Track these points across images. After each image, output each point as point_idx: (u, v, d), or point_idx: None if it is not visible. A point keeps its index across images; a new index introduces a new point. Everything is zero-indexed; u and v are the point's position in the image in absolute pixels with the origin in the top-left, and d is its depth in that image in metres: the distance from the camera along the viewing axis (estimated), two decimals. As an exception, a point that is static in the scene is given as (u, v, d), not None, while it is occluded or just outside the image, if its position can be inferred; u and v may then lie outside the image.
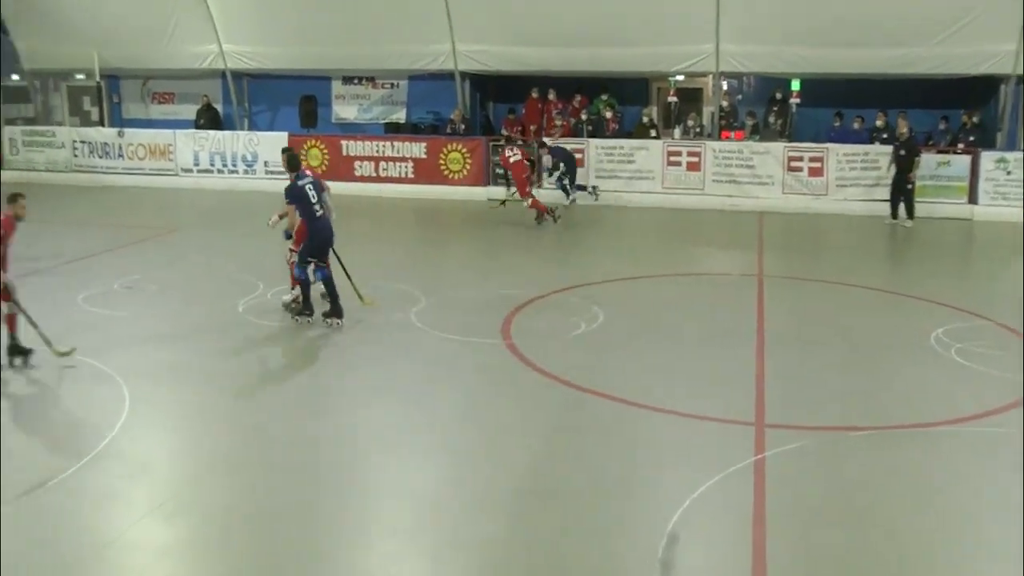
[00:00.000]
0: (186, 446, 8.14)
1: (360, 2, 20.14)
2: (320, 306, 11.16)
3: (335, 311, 10.91)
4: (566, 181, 18.80)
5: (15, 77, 23.87)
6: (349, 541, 6.49)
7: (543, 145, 18.71)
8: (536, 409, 8.60)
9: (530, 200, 17.25)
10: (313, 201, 10.68)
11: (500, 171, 18.86)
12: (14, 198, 9.63)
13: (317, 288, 11.13)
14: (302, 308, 11.06)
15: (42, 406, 8.88)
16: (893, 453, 7.65)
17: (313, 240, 10.76)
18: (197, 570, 6.22)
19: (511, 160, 17.35)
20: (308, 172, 11.15)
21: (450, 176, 20.26)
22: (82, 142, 22.42)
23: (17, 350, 9.66)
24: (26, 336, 9.65)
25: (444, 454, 7.70)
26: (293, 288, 11.31)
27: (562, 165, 18.75)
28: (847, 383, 9.25)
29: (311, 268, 10.86)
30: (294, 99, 21.92)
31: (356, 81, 22.34)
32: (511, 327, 10.82)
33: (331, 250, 11.06)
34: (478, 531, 6.48)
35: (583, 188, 19.19)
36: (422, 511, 6.87)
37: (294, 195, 10.67)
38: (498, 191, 19.20)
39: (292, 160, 10.94)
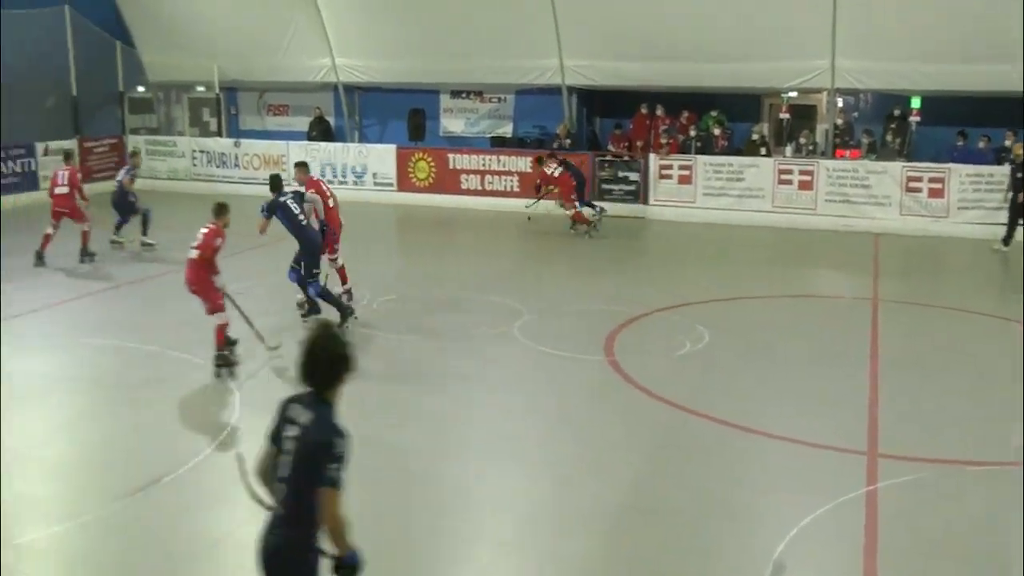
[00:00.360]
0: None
1: (469, 18, 20.46)
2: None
3: (343, 315, 11.34)
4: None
5: (140, 89, 25.03)
6: (450, 552, 6.57)
7: (552, 156, 18.48)
8: (638, 427, 8.56)
9: (573, 210, 17.72)
10: (296, 212, 11.55)
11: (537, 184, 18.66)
12: (220, 210, 10.28)
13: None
14: (342, 311, 11.42)
15: (162, 409, 9.27)
16: (1016, 491, 7.32)
17: (305, 251, 11.55)
18: (302, 572, 6.41)
19: (555, 174, 17.74)
20: (310, 189, 12.18)
21: (557, 190, 20.33)
22: (201, 152, 23.37)
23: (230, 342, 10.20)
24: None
25: (546, 468, 7.73)
26: (345, 283, 12.41)
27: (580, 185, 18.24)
28: (967, 413, 8.91)
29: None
30: (403, 112, 22.38)
31: (464, 95, 22.68)
32: (614, 344, 10.80)
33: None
34: (578, 546, 6.49)
35: (591, 206, 18.52)
36: (523, 524, 6.91)
37: (269, 208, 11.60)
38: (604, 205, 19.18)
39: (273, 182, 12.02)
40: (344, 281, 12.49)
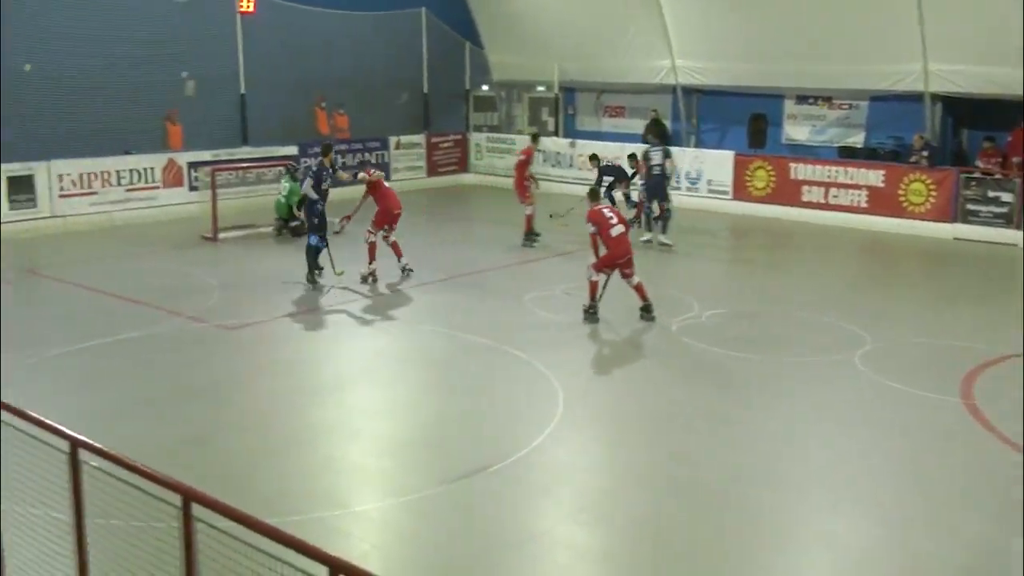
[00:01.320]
0: (606, 456, 8.57)
1: (820, 18, 19.66)
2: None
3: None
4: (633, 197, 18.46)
5: (484, 88, 26.67)
6: (771, 585, 6.37)
7: (594, 157, 19.07)
8: (993, 483, 7.80)
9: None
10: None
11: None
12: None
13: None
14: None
15: (487, 396, 9.81)
16: None
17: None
18: (615, 581, 6.49)
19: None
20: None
21: (910, 208, 19.05)
22: (537, 150, 24.39)
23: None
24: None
25: (879, 514, 7.25)
26: (371, 263, 14.17)
27: (618, 183, 18.27)
28: None
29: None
30: (743, 117, 22.00)
31: (811, 101, 21.86)
32: (973, 385, 9.90)
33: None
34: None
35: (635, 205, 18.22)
36: (847, 570, 6.54)
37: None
38: (966, 228, 17.69)
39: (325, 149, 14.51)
40: (399, 255, 14.56)
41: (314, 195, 13.85)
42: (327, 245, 14.01)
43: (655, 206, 17.21)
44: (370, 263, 14.21)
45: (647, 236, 17.07)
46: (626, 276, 12.25)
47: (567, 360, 10.75)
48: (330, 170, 14.29)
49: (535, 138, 19.28)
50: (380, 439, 8.87)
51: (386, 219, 14.46)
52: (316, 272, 14.02)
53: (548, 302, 13.09)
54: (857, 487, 7.72)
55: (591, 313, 12.17)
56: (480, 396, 9.83)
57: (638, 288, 12.22)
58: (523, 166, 17.67)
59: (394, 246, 14.54)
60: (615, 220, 12.13)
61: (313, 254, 13.97)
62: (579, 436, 8.86)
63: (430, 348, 11.43)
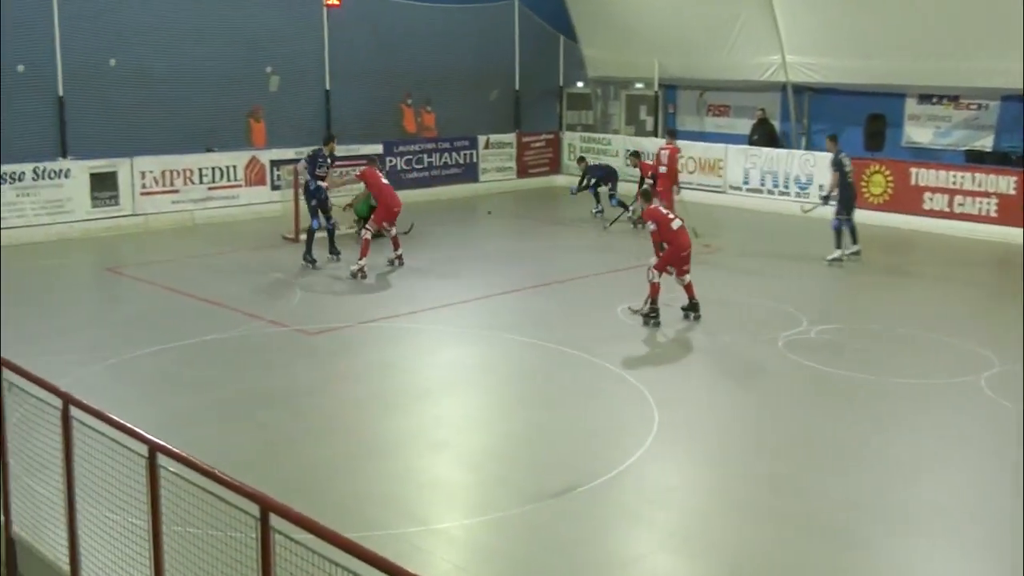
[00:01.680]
0: (704, 479, 8.46)
1: (946, 10, 19.11)
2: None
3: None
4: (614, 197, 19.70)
5: (579, 84, 26.65)
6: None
7: (582, 160, 20.38)
8: None
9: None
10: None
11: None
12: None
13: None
14: None
15: (577, 411, 9.78)
16: None
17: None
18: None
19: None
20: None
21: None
22: (634, 151, 24.27)
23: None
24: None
25: (1006, 553, 6.97)
26: (362, 258, 14.92)
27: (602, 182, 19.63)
28: None
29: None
30: (860, 118, 21.48)
31: (935, 100, 21.24)
32: (1114, 414, 9.48)
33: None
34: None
35: (624, 206, 19.25)
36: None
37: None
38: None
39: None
40: (396, 247, 15.63)
41: (308, 176, 15.90)
42: (326, 228, 15.89)
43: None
44: (360, 258, 15.00)
45: (836, 254, 16.52)
46: (682, 273, 12.59)
47: (663, 374, 10.67)
48: (328, 158, 16.03)
49: (675, 135, 19.83)
50: (464, 452, 8.92)
51: (384, 215, 15.38)
52: (311, 256, 15.67)
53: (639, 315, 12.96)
54: (982, 526, 7.45)
55: (653, 317, 12.45)
56: (570, 410, 9.81)
57: (688, 287, 12.63)
58: (674, 173, 17.93)
59: (394, 240, 15.70)
60: (672, 215, 12.77)
61: (310, 236, 15.67)
62: (675, 456, 8.76)
63: (518, 358, 11.45)
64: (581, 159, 20.44)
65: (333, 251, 16.00)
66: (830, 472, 8.35)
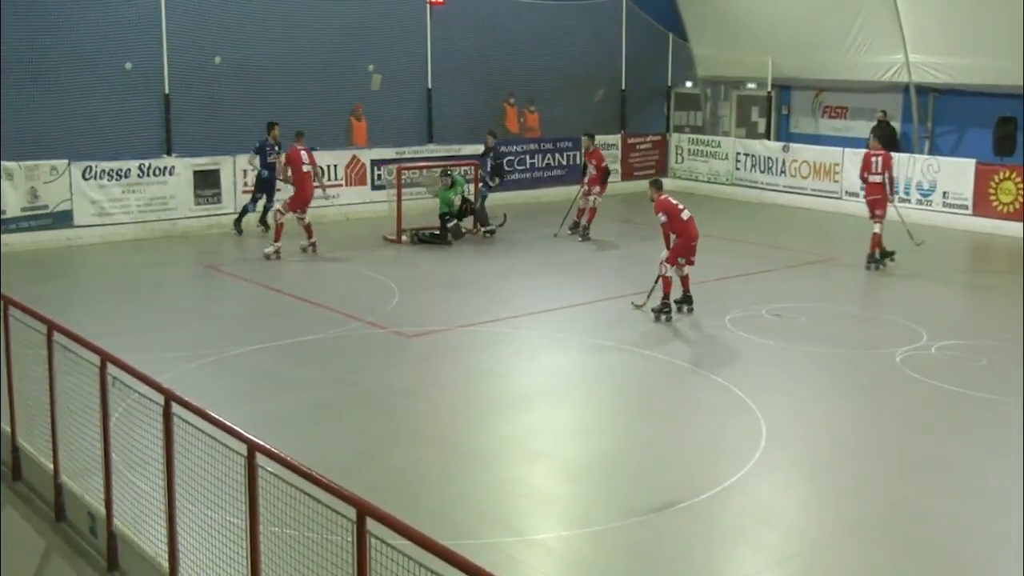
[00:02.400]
0: (816, 498, 8.29)
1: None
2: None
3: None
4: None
5: (688, 84, 26.42)
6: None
7: (446, 175, 18.61)
8: None
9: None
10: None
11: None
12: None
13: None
14: None
15: (681, 424, 9.69)
16: None
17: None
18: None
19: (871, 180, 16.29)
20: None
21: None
22: (745, 154, 23.97)
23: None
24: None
25: None
26: (276, 241, 16.37)
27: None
28: None
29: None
30: (988, 120, 20.78)
31: (1072, 102, 20.48)
32: None
33: None
34: None
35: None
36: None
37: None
38: None
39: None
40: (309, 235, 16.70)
41: (258, 165, 18.10)
42: (254, 210, 18.31)
43: None
44: (275, 240, 16.32)
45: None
46: (689, 262, 12.90)
47: (772, 387, 10.50)
48: (275, 145, 18.03)
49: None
50: (562, 463, 8.92)
51: (297, 202, 16.54)
52: (239, 228, 18.22)
53: (752, 323, 12.81)
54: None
55: (665, 311, 12.75)
56: (674, 423, 9.73)
57: (685, 279, 13.01)
58: (891, 179, 16.24)
59: (307, 228, 16.67)
60: (681, 205, 12.90)
61: (242, 213, 18.31)
62: (783, 475, 8.61)
63: (620, 368, 11.41)
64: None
65: (262, 223, 18.32)
66: (950, 496, 8.09)
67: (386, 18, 21.19)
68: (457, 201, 18.02)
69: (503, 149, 22.53)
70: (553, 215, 19.24)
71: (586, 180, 18.69)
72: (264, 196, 18.41)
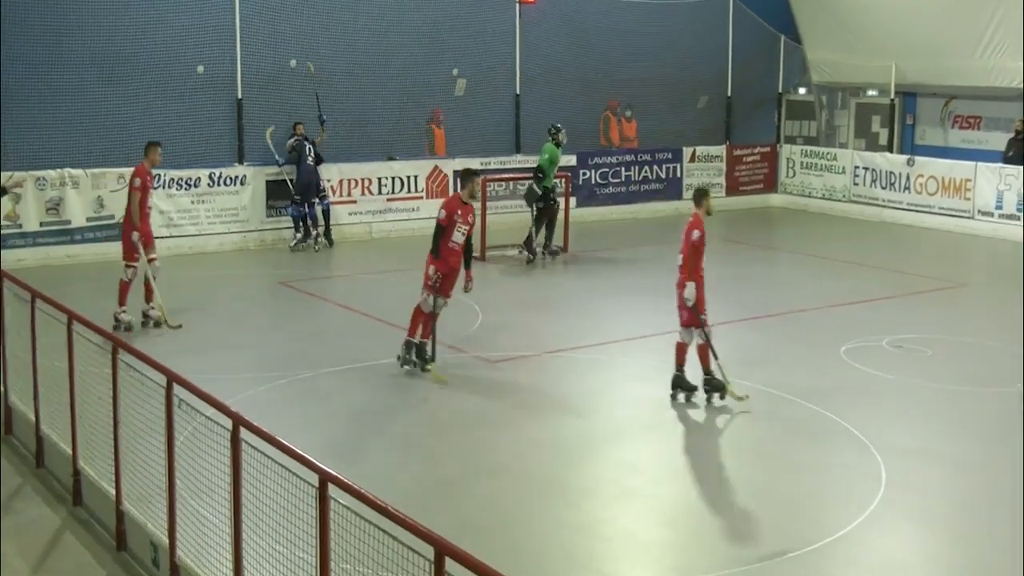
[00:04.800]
0: (940, 550, 8.12)
1: None
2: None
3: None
4: None
5: (801, 91, 26.12)
6: None
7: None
8: None
9: None
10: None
11: None
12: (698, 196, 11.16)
13: None
14: None
15: (791, 465, 9.53)
16: None
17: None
18: None
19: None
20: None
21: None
22: (864, 168, 23.57)
23: (683, 384, 10.97)
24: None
25: None
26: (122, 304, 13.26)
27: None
28: None
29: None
30: None
31: None
32: None
33: None
34: None
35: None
36: None
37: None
38: None
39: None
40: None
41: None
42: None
43: None
44: (121, 304, 13.26)
45: None
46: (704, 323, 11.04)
47: (894, 427, 10.29)
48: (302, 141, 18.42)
49: None
50: (658, 504, 8.85)
51: (149, 242, 13.51)
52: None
53: (871, 355, 12.58)
54: None
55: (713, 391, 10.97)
56: (783, 464, 9.58)
57: (704, 351, 11.00)
58: None
59: (150, 285, 13.50)
60: None
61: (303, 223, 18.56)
62: (906, 524, 8.41)
63: (724, 401, 11.25)
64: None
65: None
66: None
67: (472, 20, 21.36)
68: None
69: (595, 161, 22.57)
70: (650, 232, 19.18)
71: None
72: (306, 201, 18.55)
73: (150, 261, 13.37)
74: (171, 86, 18.43)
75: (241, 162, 19.07)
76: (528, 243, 18.02)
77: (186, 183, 18.37)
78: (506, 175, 20.72)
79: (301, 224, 18.61)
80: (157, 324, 13.41)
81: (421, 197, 20.64)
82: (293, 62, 19.46)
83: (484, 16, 21.52)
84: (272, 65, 19.32)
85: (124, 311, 13.23)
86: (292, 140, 18.67)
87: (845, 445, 9.82)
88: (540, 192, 17.93)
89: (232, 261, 17.89)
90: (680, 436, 10.41)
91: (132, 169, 13.72)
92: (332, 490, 5.26)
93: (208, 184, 18.59)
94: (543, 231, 18.21)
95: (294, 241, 18.65)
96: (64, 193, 17.33)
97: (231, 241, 18.75)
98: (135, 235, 13.18)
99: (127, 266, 13.26)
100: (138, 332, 13.10)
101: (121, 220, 14.42)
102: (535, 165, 18.38)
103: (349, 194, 19.89)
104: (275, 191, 19.17)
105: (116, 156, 17.58)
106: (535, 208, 18.03)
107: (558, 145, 18.20)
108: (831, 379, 11.77)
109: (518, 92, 22.11)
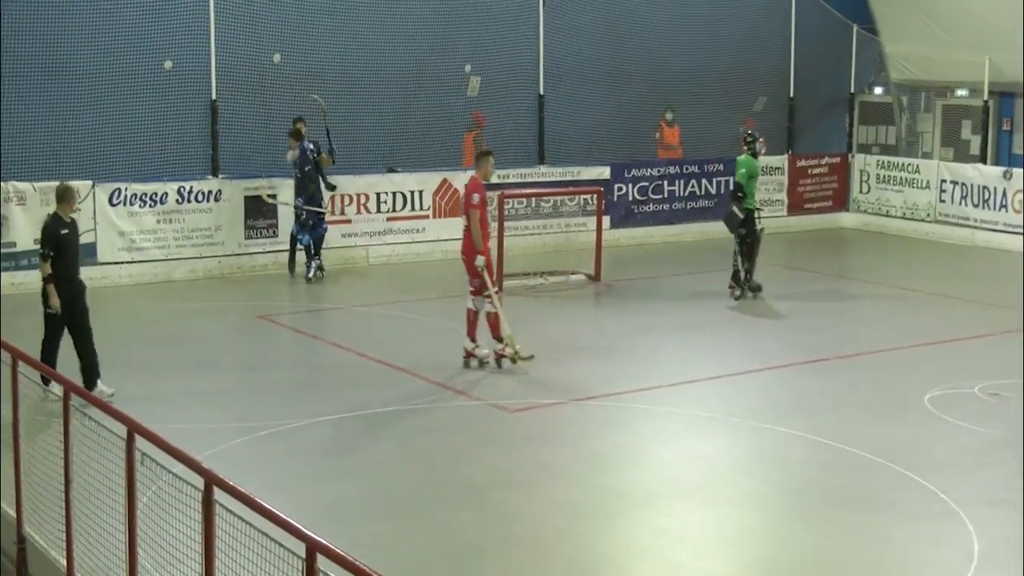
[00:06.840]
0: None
1: None
2: None
3: None
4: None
5: (878, 91, 26.16)
6: None
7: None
8: None
9: None
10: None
11: None
12: None
13: None
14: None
15: (864, 534, 9.52)
16: None
17: None
18: None
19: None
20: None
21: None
22: (953, 182, 23.51)
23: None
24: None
25: None
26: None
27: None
28: None
29: None
30: None
31: None
32: None
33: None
34: None
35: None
36: None
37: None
38: None
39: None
40: None
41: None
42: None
43: None
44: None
45: None
46: None
47: (988, 491, 10.23)
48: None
49: None
50: (707, 580, 8.83)
51: None
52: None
53: (961, 404, 12.56)
54: None
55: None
56: (855, 533, 9.54)
57: None
58: None
59: None
60: None
61: (307, 247, 18.59)
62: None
63: (780, 457, 11.26)
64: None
65: None
66: None
67: (487, 6, 21.47)
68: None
69: (633, 173, 22.49)
70: (698, 258, 19.14)
71: None
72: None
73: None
74: (132, 85, 18.40)
75: (216, 175, 19.09)
76: (736, 277, 17.72)
77: (151, 199, 18.36)
78: (527, 191, 20.72)
79: (298, 245, 18.50)
80: (513, 360, 13.71)
81: (427, 216, 20.66)
82: (277, 57, 19.48)
83: (502, 2, 21.64)
84: (252, 60, 19.34)
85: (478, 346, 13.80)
86: (292, 153, 18.44)
87: (930, 511, 9.80)
88: (742, 216, 17.49)
89: (205, 291, 17.95)
90: (731, 500, 10.36)
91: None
92: (321, 561, 5.28)
93: (177, 200, 18.58)
94: (745, 261, 17.75)
95: (310, 271, 18.47)
96: (8, 211, 17.24)
97: (204, 267, 18.80)
98: (479, 260, 13.48)
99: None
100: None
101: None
102: (731, 185, 18.17)
103: (343, 212, 19.91)
104: (254, 209, 19.15)
105: (68, 167, 17.51)
106: (738, 235, 17.61)
107: (755, 156, 17.78)
108: (912, 433, 11.76)
109: (541, 92, 22.19)
